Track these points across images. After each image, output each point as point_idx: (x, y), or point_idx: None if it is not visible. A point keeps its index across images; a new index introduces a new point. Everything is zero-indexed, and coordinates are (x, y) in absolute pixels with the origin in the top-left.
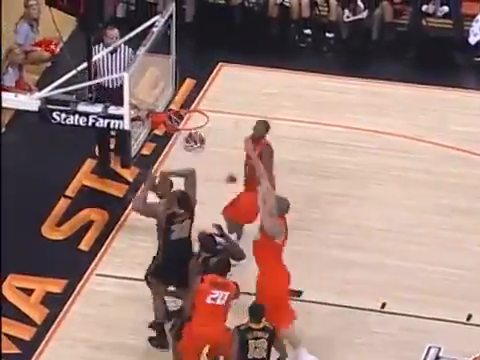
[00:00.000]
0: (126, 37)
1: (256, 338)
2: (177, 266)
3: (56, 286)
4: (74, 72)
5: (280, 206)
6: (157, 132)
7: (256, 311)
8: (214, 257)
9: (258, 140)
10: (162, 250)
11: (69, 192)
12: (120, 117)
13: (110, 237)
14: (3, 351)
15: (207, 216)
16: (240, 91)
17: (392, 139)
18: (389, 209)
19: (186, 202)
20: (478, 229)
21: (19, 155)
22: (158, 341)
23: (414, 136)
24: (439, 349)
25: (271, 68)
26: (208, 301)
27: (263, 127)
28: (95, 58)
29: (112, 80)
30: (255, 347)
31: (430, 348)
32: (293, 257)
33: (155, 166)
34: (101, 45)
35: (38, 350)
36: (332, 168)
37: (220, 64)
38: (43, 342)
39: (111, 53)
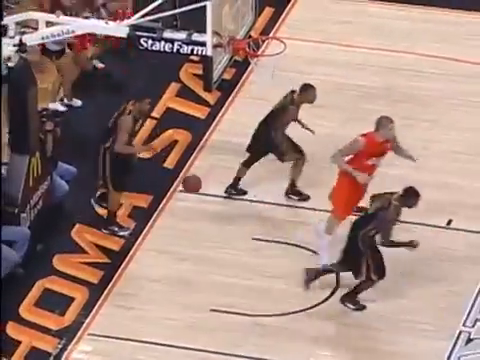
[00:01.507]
0: None
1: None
2: None
3: (142, 201)
4: (161, 0)
5: None
6: (237, 58)
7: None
8: None
9: None
10: None
11: (155, 113)
12: (203, 44)
13: (192, 156)
14: (96, 260)
15: None
16: (317, 19)
17: (462, 66)
18: (459, 132)
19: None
20: None
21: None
22: None
23: None
24: None
25: None
26: None
27: None
28: None
29: None
30: None
31: None
32: None
33: None
34: None
35: (126, 260)
36: (404, 94)
37: None
38: (131, 252)
39: None
